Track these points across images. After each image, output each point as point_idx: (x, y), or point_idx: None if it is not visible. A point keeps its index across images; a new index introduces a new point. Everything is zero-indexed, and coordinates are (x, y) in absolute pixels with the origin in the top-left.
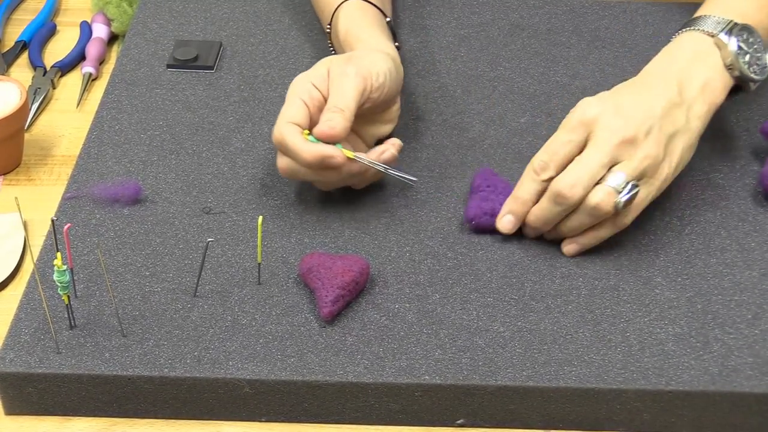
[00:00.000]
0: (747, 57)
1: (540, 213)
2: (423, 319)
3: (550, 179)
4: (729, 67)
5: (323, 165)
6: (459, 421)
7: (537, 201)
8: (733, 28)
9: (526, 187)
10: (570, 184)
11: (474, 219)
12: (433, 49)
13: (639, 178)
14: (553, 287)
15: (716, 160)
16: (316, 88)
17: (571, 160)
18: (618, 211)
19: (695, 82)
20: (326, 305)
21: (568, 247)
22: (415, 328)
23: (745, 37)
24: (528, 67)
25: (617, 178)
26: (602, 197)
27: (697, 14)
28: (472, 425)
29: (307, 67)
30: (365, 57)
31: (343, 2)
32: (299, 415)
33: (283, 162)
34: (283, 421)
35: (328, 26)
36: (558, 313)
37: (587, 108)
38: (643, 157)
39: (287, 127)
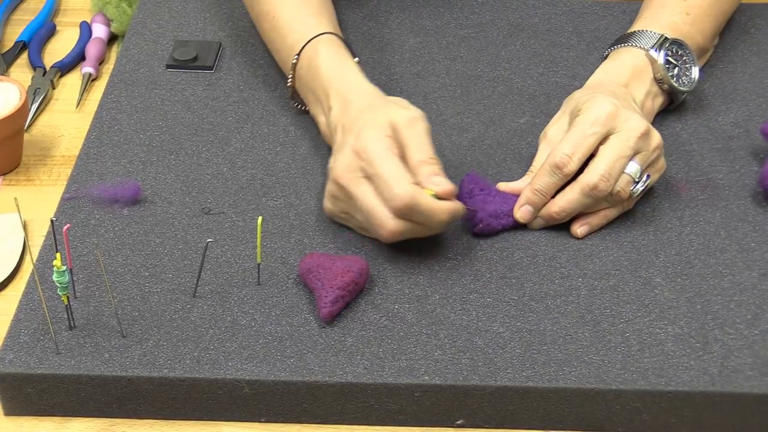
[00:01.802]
0: (675, 70)
1: (568, 205)
2: (422, 320)
3: (571, 172)
4: (659, 81)
5: (452, 220)
6: (458, 422)
7: (555, 193)
8: (663, 43)
9: (546, 180)
10: (605, 177)
11: (481, 222)
12: (432, 49)
13: (647, 167)
14: (553, 287)
15: (716, 160)
16: (396, 141)
17: (590, 154)
18: (632, 198)
19: (637, 98)
20: (326, 306)
21: (581, 229)
22: (415, 329)
23: (674, 50)
24: (527, 67)
25: (633, 166)
26: (623, 186)
27: (632, 29)
28: (472, 426)
29: None
30: (402, 100)
31: (314, 37)
32: (299, 416)
33: (398, 225)
34: (282, 422)
35: (296, 56)
36: (558, 314)
37: (605, 103)
38: (655, 147)
39: (415, 189)
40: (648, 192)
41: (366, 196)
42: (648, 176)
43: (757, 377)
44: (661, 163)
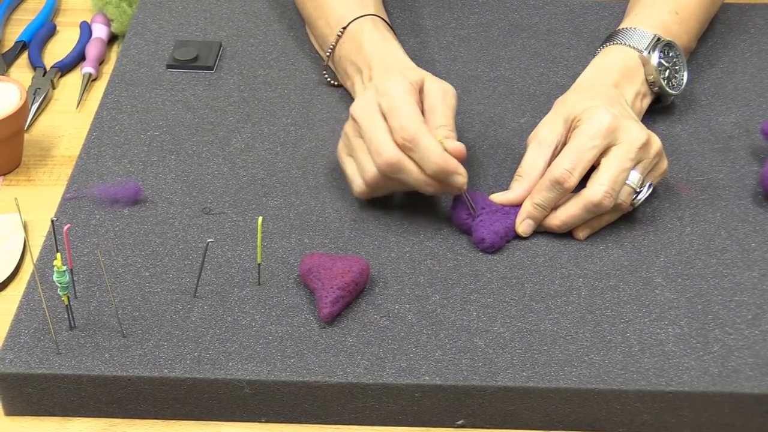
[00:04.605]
0: (666, 72)
1: (570, 219)
2: (423, 320)
3: (572, 187)
4: (651, 84)
5: (444, 178)
6: (459, 422)
7: (555, 207)
8: (656, 44)
9: (546, 195)
10: (608, 193)
11: (494, 244)
12: (433, 49)
13: (649, 173)
14: (553, 288)
15: (716, 160)
16: (420, 99)
17: (590, 167)
18: (633, 206)
19: (628, 99)
20: (326, 306)
21: (583, 233)
22: (415, 329)
23: (666, 52)
24: (528, 67)
25: (633, 176)
26: (624, 198)
27: (622, 25)
28: (472, 426)
29: (307, 67)
30: (443, 81)
31: (362, 15)
32: (299, 416)
33: (395, 155)
34: (282, 422)
35: (341, 30)
36: (558, 314)
37: (605, 116)
38: (655, 154)
39: (423, 127)
40: None
41: (375, 124)
42: (650, 185)
43: (757, 377)
44: (663, 166)
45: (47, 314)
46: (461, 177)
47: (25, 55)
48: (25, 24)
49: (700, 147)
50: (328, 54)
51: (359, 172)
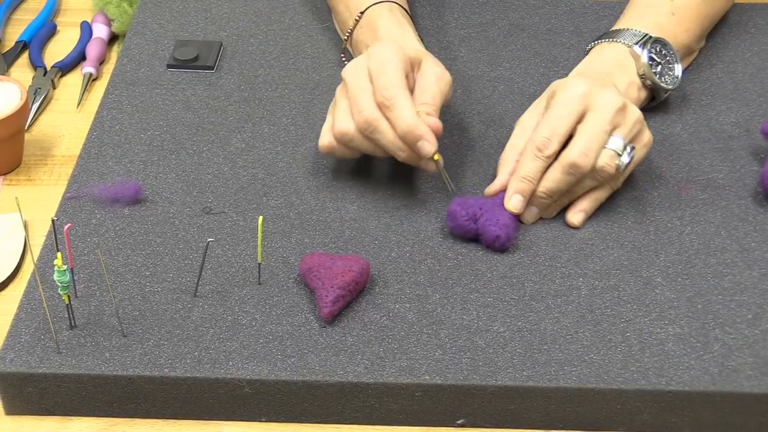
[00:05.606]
0: (659, 68)
1: (552, 185)
2: (423, 319)
3: (553, 154)
4: (642, 77)
5: (413, 142)
6: (459, 421)
7: (540, 177)
8: (647, 41)
9: (530, 165)
10: (583, 153)
11: (509, 237)
12: (433, 49)
13: (631, 141)
14: (553, 287)
15: (716, 160)
16: (410, 69)
17: (569, 133)
18: (619, 172)
19: (620, 87)
20: (326, 305)
21: (576, 217)
22: (416, 328)
23: (658, 49)
24: (528, 67)
25: (616, 141)
26: (607, 160)
27: (616, 27)
28: (472, 425)
29: (308, 67)
30: (442, 67)
31: (381, 1)
32: (299, 415)
33: (374, 114)
34: (283, 421)
35: (359, 14)
36: (558, 313)
37: (578, 83)
38: (635, 121)
39: (404, 91)
40: (648, 191)
41: (360, 84)
42: (633, 148)
43: (757, 377)
44: (646, 137)
45: (47, 313)
46: (429, 144)
47: (25, 55)
48: (25, 24)
49: (700, 147)
50: (346, 38)
51: (331, 126)
